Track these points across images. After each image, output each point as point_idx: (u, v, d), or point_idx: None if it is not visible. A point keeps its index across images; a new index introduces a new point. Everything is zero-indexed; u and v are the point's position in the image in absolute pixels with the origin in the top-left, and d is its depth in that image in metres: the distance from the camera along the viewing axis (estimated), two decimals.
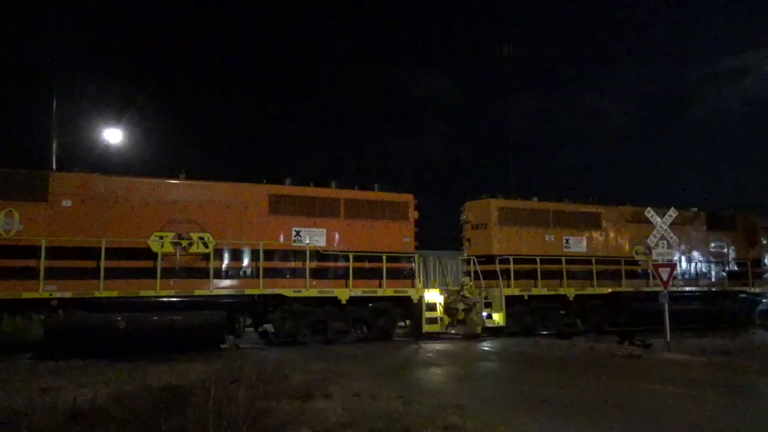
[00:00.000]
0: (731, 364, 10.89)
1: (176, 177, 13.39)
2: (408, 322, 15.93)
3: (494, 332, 16.16)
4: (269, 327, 13.94)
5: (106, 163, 19.80)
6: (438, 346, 14.29)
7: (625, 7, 77.56)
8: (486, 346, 14.33)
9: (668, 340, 13.12)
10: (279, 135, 71.84)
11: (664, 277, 13.66)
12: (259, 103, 73.99)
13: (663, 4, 79.43)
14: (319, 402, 6.93)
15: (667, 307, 13.37)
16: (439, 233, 22.87)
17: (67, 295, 11.63)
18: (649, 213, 14.97)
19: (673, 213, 14.84)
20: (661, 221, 14.70)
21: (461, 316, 16.11)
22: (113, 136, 20.64)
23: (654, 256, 14.78)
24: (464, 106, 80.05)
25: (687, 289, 19.03)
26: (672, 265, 14.24)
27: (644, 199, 18.49)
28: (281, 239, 13.83)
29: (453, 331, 16.39)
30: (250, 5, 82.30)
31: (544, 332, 16.75)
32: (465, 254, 17.41)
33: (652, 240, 14.74)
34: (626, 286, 17.51)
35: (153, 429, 5.25)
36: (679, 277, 19.07)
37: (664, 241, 14.71)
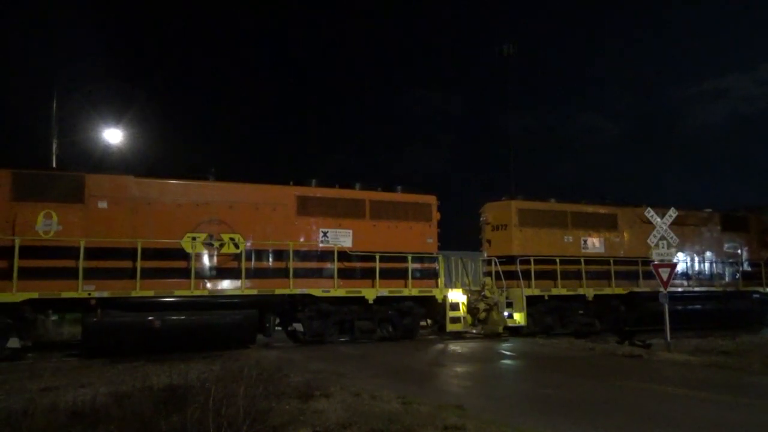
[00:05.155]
0: (732, 364, 10.88)
1: (206, 178, 13.62)
2: (429, 321, 16.18)
3: (515, 331, 16.39)
4: (298, 326, 14.13)
5: (130, 165, 20.15)
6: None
7: (616, 35, 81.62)
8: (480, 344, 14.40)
9: (668, 340, 13.11)
10: (296, 141, 73.72)
11: (664, 277, 13.59)
12: (278, 109, 76.17)
13: (651, 31, 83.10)
14: (319, 402, 6.92)
15: (667, 307, 13.35)
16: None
17: (105, 294, 11.85)
18: (649, 213, 14.91)
19: (673, 213, 14.73)
20: (661, 221, 14.62)
21: (482, 315, 16.35)
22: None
23: (654, 256, 14.63)
24: (471, 122, 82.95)
25: (702, 289, 19.26)
26: (672, 265, 14.09)
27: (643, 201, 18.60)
28: (309, 240, 14.07)
29: (474, 331, 16.63)
30: (280, 21, 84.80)
31: (562, 332, 16.97)
32: (485, 255, 17.64)
33: (651, 240, 14.62)
34: (643, 287, 17.72)
35: (153, 429, 5.25)
36: (695, 278, 19.35)
37: (664, 241, 14.61)
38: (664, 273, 13.68)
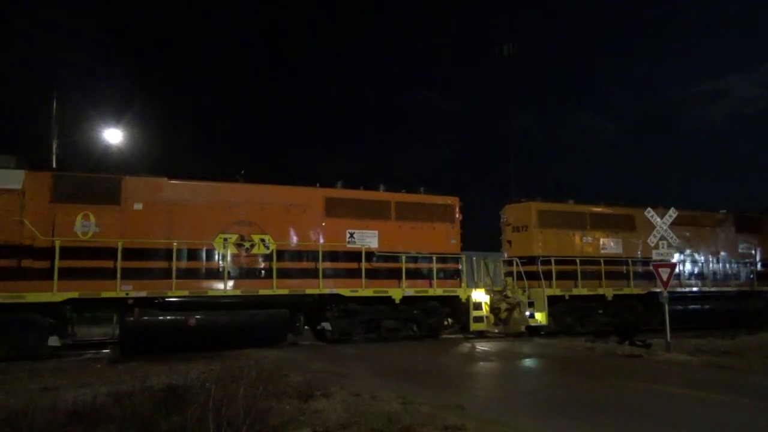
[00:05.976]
0: (732, 364, 10.84)
1: (237, 180, 13.86)
2: (450, 320, 16.40)
3: (534, 330, 16.61)
4: (326, 325, 14.36)
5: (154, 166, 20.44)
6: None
7: (616, 35, 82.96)
8: (484, 346, 14.34)
9: (668, 340, 13.08)
10: (296, 142, 74.36)
11: (664, 277, 13.53)
12: (277, 109, 76.89)
13: (651, 31, 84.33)
14: (319, 402, 6.92)
15: (667, 306, 13.32)
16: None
17: (143, 294, 12.11)
18: (649, 213, 14.85)
19: (673, 213, 14.68)
20: (661, 221, 14.59)
21: (504, 315, 16.58)
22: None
23: (655, 257, 14.54)
24: (471, 122, 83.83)
25: (717, 289, 19.48)
26: (672, 265, 13.98)
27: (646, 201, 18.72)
28: (337, 240, 14.30)
29: (496, 330, 16.86)
30: (280, 21, 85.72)
31: (582, 331, 17.18)
32: (505, 255, 17.88)
33: (651, 240, 14.58)
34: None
35: (153, 429, 5.25)
36: (710, 278, 19.58)
37: (664, 242, 14.52)
38: (664, 273, 13.62)
